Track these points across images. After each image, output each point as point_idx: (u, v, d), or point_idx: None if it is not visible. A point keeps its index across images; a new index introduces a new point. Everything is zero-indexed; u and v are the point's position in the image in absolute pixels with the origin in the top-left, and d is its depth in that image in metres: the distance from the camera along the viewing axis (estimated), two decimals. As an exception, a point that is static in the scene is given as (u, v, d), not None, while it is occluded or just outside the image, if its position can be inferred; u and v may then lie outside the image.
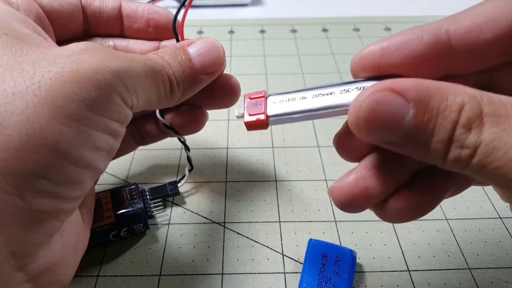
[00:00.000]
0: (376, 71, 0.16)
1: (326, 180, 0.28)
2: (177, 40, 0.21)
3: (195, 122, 0.24)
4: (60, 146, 0.14)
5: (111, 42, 0.23)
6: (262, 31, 0.46)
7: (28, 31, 0.16)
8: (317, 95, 0.17)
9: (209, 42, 0.20)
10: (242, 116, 0.18)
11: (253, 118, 0.17)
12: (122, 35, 0.23)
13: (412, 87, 0.12)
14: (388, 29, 0.46)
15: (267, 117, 0.17)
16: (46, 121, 0.13)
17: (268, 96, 0.18)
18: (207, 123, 0.33)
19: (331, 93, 0.16)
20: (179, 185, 0.26)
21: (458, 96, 0.12)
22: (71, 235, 0.17)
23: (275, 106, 0.17)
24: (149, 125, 0.25)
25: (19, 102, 0.13)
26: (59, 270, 0.16)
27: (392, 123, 0.13)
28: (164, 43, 0.23)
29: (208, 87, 0.21)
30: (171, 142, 0.31)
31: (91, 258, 0.23)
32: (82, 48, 0.15)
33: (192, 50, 0.19)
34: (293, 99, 0.17)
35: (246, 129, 0.18)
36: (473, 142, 0.12)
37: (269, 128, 0.33)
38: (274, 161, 0.30)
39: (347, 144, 0.17)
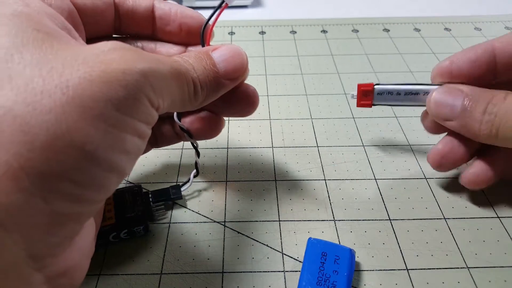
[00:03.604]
0: (448, 77, 0.24)
1: (325, 179, 0.28)
2: (203, 45, 0.22)
3: (212, 128, 0.24)
4: (87, 148, 0.13)
5: (139, 43, 0.23)
6: (262, 32, 0.46)
7: (58, 29, 0.16)
8: (408, 93, 0.25)
9: (233, 49, 0.20)
10: (355, 99, 0.27)
11: (362, 102, 0.27)
12: (153, 35, 0.23)
13: (464, 87, 0.23)
14: (386, 30, 0.47)
15: (371, 104, 0.27)
16: (73, 121, 0.13)
17: (375, 86, 0.26)
18: (207, 123, 0.33)
19: (417, 93, 0.25)
20: (182, 189, 0.26)
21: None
22: (87, 238, 0.17)
23: (378, 96, 0.26)
24: (165, 128, 0.25)
25: (47, 100, 0.13)
26: (74, 273, 0.16)
27: (451, 107, 0.23)
28: (190, 48, 0.23)
29: (228, 95, 0.21)
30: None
31: (93, 257, 0.23)
32: (110, 48, 0.15)
33: (216, 56, 0.19)
34: (391, 93, 0.26)
35: (356, 105, 0.27)
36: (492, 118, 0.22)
37: (268, 127, 0.33)
38: (273, 161, 0.30)
39: (428, 122, 0.27)
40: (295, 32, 0.46)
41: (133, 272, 0.23)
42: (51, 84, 0.13)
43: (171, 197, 0.26)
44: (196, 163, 0.26)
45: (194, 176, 0.26)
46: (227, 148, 0.31)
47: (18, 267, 0.13)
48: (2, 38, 0.14)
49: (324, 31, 0.47)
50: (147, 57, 0.16)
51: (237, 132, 0.32)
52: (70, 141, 0.13)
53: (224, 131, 0.32)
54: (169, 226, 0.25)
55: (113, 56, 0.15)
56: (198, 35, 0.22)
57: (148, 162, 0.30)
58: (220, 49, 0.20)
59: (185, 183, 0.27)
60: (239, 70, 0.20)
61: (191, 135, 0.24)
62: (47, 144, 0.13)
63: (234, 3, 0.51)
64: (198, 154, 0.26)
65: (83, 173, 0.14)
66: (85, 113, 0.13)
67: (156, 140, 0.25)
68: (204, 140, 0.31)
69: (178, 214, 0.26)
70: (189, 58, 0.19)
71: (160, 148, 0.26)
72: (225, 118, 0.33)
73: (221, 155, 0.30)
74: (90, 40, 0.21)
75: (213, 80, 0.19)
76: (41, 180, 0.13)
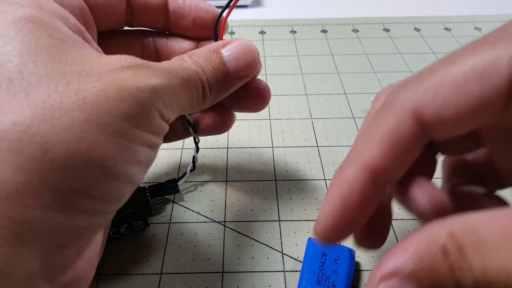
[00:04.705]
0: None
1: (325, 179, 0.28)
2: (216, 39, 0.21)
3: (222, 123, 0.24)
4: (106, 164, 0.14)
5: (150, 38, 0.23)
6: (262, 32, 0.46)
7: (71, 33, 0.16)
8: None
9: (244, 45, 0.20)
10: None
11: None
12: (165, 28, 0.23)
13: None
14: (386, 30, 0.47)
15: None
16: (92, 139, 0.13)
17: None
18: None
19: None
20: (179, 183, 0.26)
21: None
22: (96, 247, 0.17)
23: None
24: (174, 123, 0.24)
25: (66, 118, 0.13)
26: (81, 282, 0.16)
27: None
28: (203, 43, 0.23)
29: (240, 91, 0.21)
30: (172, 142, 0.31)
31: (93, 257, 0.23)
32: (124, 65, 0.15)
33: (226, 54, 0.19)
34: None
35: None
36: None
37: (268, 127, 0.33)
38: (273, 161, 0.30)
39: None
40: (295, 32, 0.46)
41: (133, 272, 0.23)
42: (69, 101, 0.13)
43: (168, 191, 0.26)
44: (194, 157, 0.26)
45: (191, 171, 0.27)
46: (227, 148, 0.31)
47: (32, 279, 0.13)
48: (15, 45, 0.14)
49: (324, 31, 0.47)
50: (159, 72, 0.16)
51: (237, 132, 0.32)
52: (90, 158, 0.13)
53: (224, 131, 0.32)
54: (169, 226, 0.25)
55: (127, 74, 0.15)
56: (212, 29, 0.22)
57: (148, 162, 0.30)
58: (230, 45, 0.19)
59: (181, 177, 0.27)
60: (249, 68, 0.20)
61: (194, 130, 0.24)
62: (67, 162, 0.13)
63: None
64: (197, 149, 0.26)
65: (101, 188, 0.14)
66: (103, 130, 0.13)
67: (166, 135, 0.25)
68: (205, 140, 0.31)
69: (178, 214, 0.26)
70: (198, 58, 0.18)
71: (169, 143, 0.26)
72: (225, 118, 0.34)
73: (221, 155, 0.30)
74: (102, 33, 0.21)
75: (222, 80, 0.19)
76: (61, 196, 0.13)
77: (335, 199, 0.13)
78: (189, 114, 0.23)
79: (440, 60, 0.14)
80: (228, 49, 0.19)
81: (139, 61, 0.16)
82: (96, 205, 0.14)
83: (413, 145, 0.13)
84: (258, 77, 0.22)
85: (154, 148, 0.17)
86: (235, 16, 0.50)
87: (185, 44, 0.23)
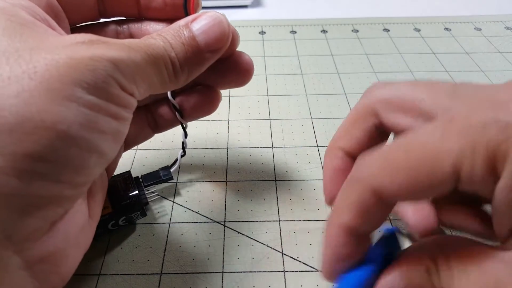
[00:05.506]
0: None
1: (325, 179, 0.28)
2: (186, 16, 0.21)
3: (208, 103, 0.23)
4: (59, 127, 0.14)
5: (125, 26, 0.22)
6: (262, 32, 0.46)
7: (33, 19, 0.16)
8: None
9: (214, 18, 0.19)
10: None
11: None
12: (139, 14, 0.22)
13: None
14: (386, 30, 0.47)
15: None
16: (43, 103, 0.13)
17: None
18: (207, 123, 0.33)
19: None
20: (171, 170, 0.26)
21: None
22: (74, 226, 0.17)
23: None
24: (163, 110, 0.24)
25: (15, 85, 0.13)
26: (59, 261, 0.16)
27: None
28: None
29: (220, 66, 0.20)
30: (171, 142, 0.31)
31: (93, 257, 0.23)
32: (79, 41, 0.15)
33: (195, 28, 0.19)
34: None
35: None
36: None
37: (268, 127, 0.33)
38: (273, 161, 0.30)
39: None
40: (295, 32, 0.46)
41: (133, 272, 0.23)
42: (18, 71, 0.13)
43: (162, 178, 0.26)
44: (183, 143, 0.26)
45: (182, 156, 0.27)
46: (227, 148, 0.31)
47: None
48: None
49: (324, 31, 0.47)
50: (118, 47, 0.16)
51: (237, 132, 0.32)
52: (41, 122, 0.13)
53: (224, 131, 0.32)
54: (169, 226, 0.25)
55: (82, 47, 0.15)
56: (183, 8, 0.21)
57: (148, 162, 0.30)
58: (199, 19, 0.19)
59: (173, 163, 0.27)
60: (221, 41, 0.19)
61: (181, 114, 0.23)
62: (17, 126, 0.13)
63: (233, 3, 0.51)
64: (186, 135, 0.26)
65: (57, 152, 0.14)
66: (54, 95, 0.14)
67: (156, 124, 0.25)
68: (205, 140, 0.31)
69: (178, 214, 0.26)
70: (166, 35, 0.18)
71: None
72: (225, 118, 0.34)
73: (221, 155, 0.30)
74: (75, 26, 0.21)
75: (193, 55, 0.19)
76: (13, 159, 0.13)
77: (328, 252, 0.17)
78: (174, 99, 0.23)
79: (398, 141, 0.15)
80: (197, 22, 0.19)
81: (95, 37, 0.16)
82: (56, 171, 0.14)
83: (376, 211, 0.15)
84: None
85: (120, 120, 0.16)
86: (235, 16, 0.50)
87: (159, 26, 0.22)
